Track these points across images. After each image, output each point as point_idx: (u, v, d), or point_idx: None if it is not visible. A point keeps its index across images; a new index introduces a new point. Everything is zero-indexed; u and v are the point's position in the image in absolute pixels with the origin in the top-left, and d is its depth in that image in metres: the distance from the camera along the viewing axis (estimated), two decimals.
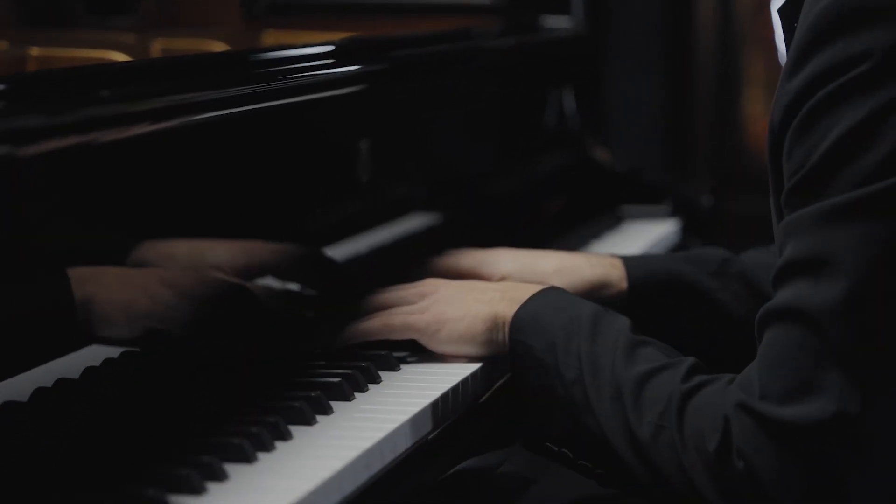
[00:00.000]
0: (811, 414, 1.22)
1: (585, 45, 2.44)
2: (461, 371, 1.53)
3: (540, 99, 2.39)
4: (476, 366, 1.55)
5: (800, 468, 1.23)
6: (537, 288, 1.55)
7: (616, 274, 1.72)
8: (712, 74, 5.43)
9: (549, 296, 1.53)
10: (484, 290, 1.57)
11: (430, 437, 1.44)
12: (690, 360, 1.38)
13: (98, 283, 1.42)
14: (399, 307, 1.59)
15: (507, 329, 1.51)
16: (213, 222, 1.59)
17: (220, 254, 1.59)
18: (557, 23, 2.38)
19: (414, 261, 1.78)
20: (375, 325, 1.57)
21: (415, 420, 1.42)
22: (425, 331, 1.55)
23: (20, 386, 1.33)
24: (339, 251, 1.87)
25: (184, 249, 1.54)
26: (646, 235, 2.27)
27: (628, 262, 1.73)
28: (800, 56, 1.28)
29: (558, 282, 1.67)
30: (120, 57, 1.82)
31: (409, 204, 2.04)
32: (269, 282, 1.68)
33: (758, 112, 5.97)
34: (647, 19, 4.95)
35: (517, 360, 1.49)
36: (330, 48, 1.80)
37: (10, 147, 1.18)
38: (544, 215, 2.38)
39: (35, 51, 1.89)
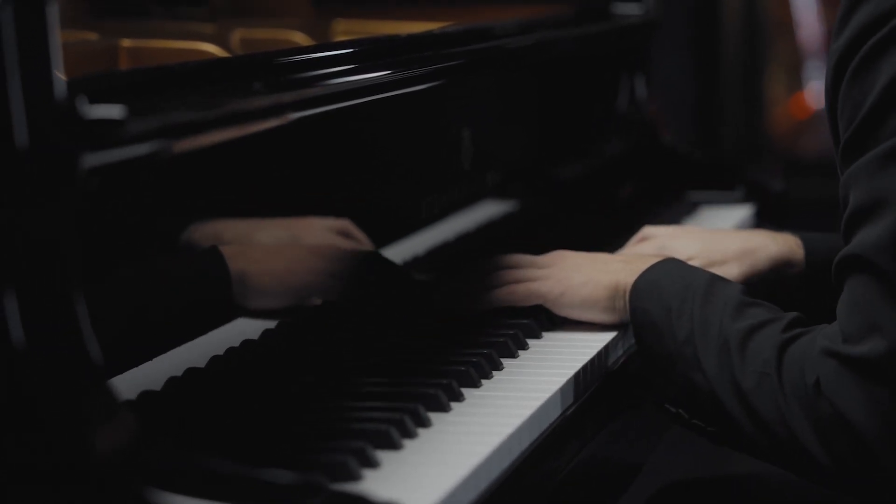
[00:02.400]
0: (883, 347, 1.29)
1: (656, 31, 2.45)
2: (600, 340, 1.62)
3: (613, 85, 2.40)
4: (612, 334, 1.63)
5: (880, 401, 1.30)
6: (657, 258, 1.60)
7: (798, 252, 1.74)
8: (739, 59, 5.45)
9: (668, 265, 1.58)
10: (607, 261, 1.64)
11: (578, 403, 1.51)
12: (794, 313, 1.44)
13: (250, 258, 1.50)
14: (523, 275, 1.66)
15: (627, 296, 1.57)
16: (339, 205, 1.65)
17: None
18: (628, 9, 2.39)
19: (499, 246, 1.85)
20: (501, 294, 1.64)
21: (563, 391, 1.49)
22: (548, 295, 1.63)
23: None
24: (425, 239, 1.89)
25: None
26: (723, 221, 2.28)
27: (807, 240, 1.75)
28: (842, 17, 1.36)
29: (746, 261, 1.72)
30: (212, 48, 1.83)
31: (492, 190, 2.06)
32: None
33: (780, 94, 6.00)
34: (677, 4, 4.96)
35: (636, 324, 1.55)
36: (427, 40, 1.81)
37: (166, 140, 1.20)
38: (618, 200, 2.39)
39: (126, 42, 1.90)
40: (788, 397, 1.36)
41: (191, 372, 1.43)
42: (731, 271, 1.71)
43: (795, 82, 6.20)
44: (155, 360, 1.40)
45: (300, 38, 2.05)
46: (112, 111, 1.06)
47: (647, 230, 1.83)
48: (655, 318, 1.51)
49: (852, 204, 1.34)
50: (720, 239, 1.77)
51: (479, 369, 1.50)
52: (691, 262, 1.67)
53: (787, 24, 5.99)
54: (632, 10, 2.39)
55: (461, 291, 1.67)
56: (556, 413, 1.46)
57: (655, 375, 1.52)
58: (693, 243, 1.76)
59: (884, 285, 1.30)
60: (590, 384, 1.57)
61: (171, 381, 1.40)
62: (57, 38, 1.04)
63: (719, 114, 5.39)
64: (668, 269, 1.56)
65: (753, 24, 5.52)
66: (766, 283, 1.73)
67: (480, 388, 1.48)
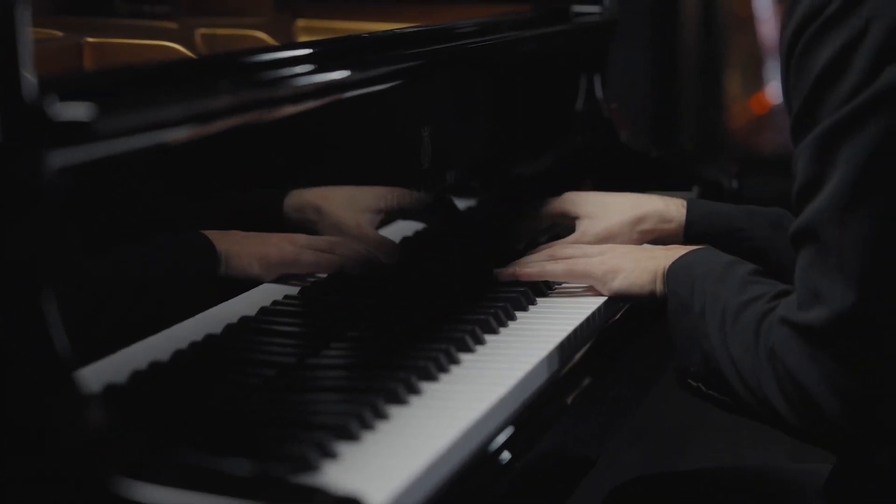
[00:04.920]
0: (823, 315, 1.38)
1: (616, 31, 2.48)
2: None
3: (572, 85, 2.44)
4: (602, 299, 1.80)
5: (823, 363, 1.39)
6: (696, 247, 1.74)
7: (681, 211, 1.94)
8: (697, 56, 5.49)
9: (702, 251, 1.71)
10: (652, 249, 1.82)
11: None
12: (783, 287, 1.53)
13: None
14: (576, 252, 1.82)
15: (665, 278, 1.70)
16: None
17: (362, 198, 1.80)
18: (588, 9, 2.42)
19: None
20: (560, 267, 1.81)
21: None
22: (602, 278, 1.79)
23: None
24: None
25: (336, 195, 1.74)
26: None
27: (691, 205, 1.95)
28: (790, 7, 1.46)
29: (632, 209, 1.92)
30: (176, 46, 1.85)
31: (452, 188, 2.09)
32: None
33: (739, 91, 6.04)
34: (635, 1, 5.00)
35: (669, 304, 1.66)
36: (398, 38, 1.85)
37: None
38: None
39: (91, 39, 1.92)
40: (763, 362, 1.46)
41: (154, 365, 1.46)
42: (623, 218, 1.94)
43: (756, 79, 6.25)
44: (119, 352, 1.42)
45: (262, 37, 2.07)
46: (80, 111, 1.09)
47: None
48: (682, 296, 1.62)
49: (799, 179, 1.44)
50: (617, 196, 2.01)
51: (438, 364, 1.53)
52: (673, 245, 1.86)
53: (747, 20, 6.04)
54: (591, 10, 2.42)
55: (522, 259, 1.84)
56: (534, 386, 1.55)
57: (680, 351, 1.62)
58: (591, 199, 2.00)
59: (824, 255, 1.39)
60: (566, 360, 1.66)
61: (136, 374, 1.42)
62: (27, 37, 1.06)
63: (677, 111, 5.43)
64: (701, 255, 1.68)
65: (712, 21, 5.57)
66: (649, 235, 1.95)
67: (439, 382, 1.51)
